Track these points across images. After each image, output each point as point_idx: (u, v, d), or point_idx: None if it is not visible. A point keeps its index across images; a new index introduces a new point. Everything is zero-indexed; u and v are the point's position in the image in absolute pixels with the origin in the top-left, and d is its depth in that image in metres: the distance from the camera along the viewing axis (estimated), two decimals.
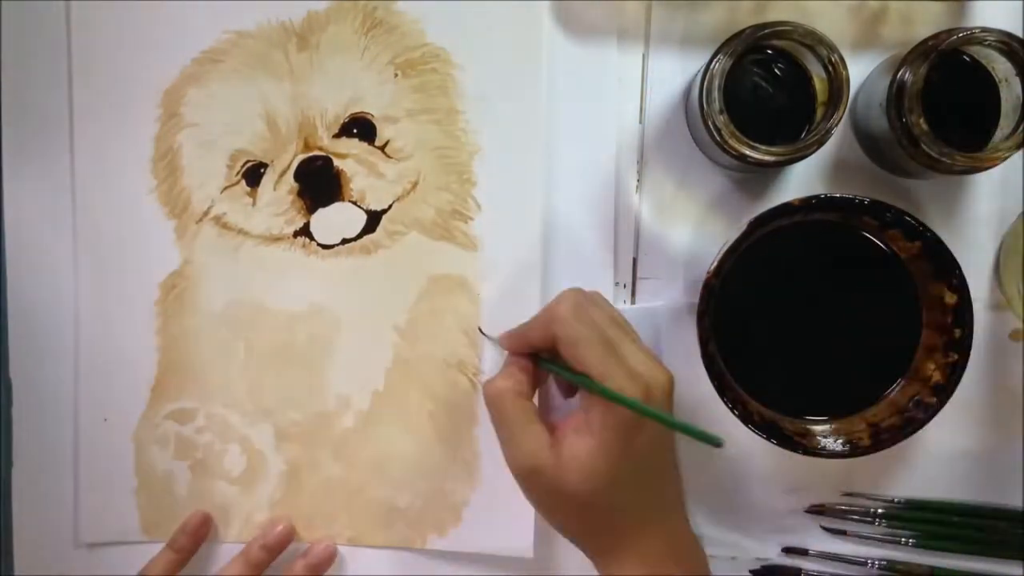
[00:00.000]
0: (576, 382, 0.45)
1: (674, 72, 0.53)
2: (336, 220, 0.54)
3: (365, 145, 0.53)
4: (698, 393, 0.52)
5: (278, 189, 0.54)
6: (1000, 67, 0.48)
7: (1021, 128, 0.46)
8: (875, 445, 0.49)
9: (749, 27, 0.46)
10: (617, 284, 0.54)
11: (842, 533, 0.55)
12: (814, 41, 0.46)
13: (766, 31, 0.46)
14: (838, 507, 0.55)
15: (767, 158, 0.47)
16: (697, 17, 0.53)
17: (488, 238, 0.53)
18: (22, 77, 0.54)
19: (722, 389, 0.48)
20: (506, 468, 0.53)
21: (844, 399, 0.51)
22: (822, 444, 0.50)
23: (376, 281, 0.54)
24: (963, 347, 0.48)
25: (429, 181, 0.54)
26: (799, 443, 0.49)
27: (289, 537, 0.54)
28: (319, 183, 0.53)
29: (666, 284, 0.54)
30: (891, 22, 0.53)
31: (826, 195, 0.47)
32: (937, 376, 0.49)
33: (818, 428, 0.51)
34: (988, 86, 0.49)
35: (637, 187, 0.54)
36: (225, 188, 0.54)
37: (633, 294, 0.54)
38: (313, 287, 0.54)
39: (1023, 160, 0.52)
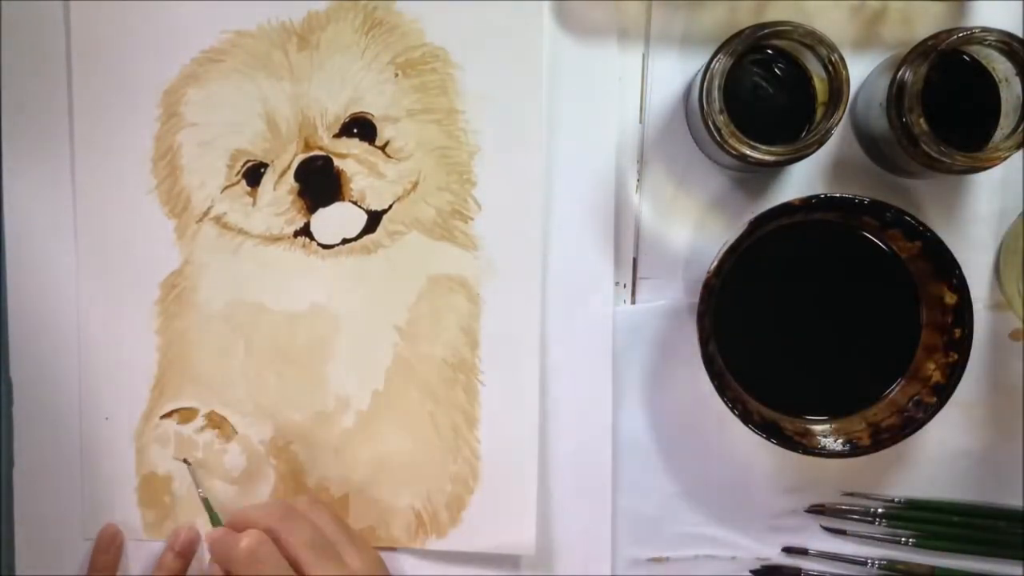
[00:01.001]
0: None
1: (674, 72, 0.53)
2: (336, 220, 0.54)
3: (365, 145, 0.53)
4: (698, 393, 0.52)
5: (278, 189, 0.54)
6: (1000, 67, 0.48)
7: (1021, 128, 0.46)
8: (875, 445, 0.49)
9: (749, 27, 0.46)
10: (617, 284, 0.54)
11: (842, 533, 0.55)
12: (814, 41, 0.46)
13: (766, 31, 0.46)
14: (838, 507, 0.55)
15: (767, 158, 0.47)
16: (697, 17, 0.53)
17: (488, 238, 0.53)
18: (22, 77, 0.54)
19: (722, 388, 0.48)
20: (508, 468, 0.53)
21: (844, 399, 0.51)
22: (822, 444, 0.50)
23: (376, 281, 0.54)
24: (963, 347, 0.48)
25: (429, 181, 0.54)
26: (799, 443, 0.49)
27: (196, 539, 0.54)
28: (319, 183, 0.53)
29: (666, 284, 0.54)
30: (891, 22, 0.53)
31: (826, 195, 0.47)
32: (937, 376, 0.49)
33: (818, 428, 0.51)
34: (988, 86, 0.49)
35: (637, 187, 0.54)
36: (225, 188, 0.54)
37: (633, 294, 0.54)
38: (313, 287, 0.54)
39: (1023, 160, 0.52)
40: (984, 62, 0.49)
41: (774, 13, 0.52)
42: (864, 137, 0.52)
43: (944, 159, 0.46)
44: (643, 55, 0.54)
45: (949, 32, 0.46)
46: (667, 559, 0.55)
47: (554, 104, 0.53)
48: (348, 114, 0.53)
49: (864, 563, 0.54)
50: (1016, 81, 0.47)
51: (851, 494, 0.55)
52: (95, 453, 0.55)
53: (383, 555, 0.54)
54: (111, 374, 0.55)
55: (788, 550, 0.55)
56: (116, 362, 0.55)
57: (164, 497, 0.55)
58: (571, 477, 0.54)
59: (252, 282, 0.54)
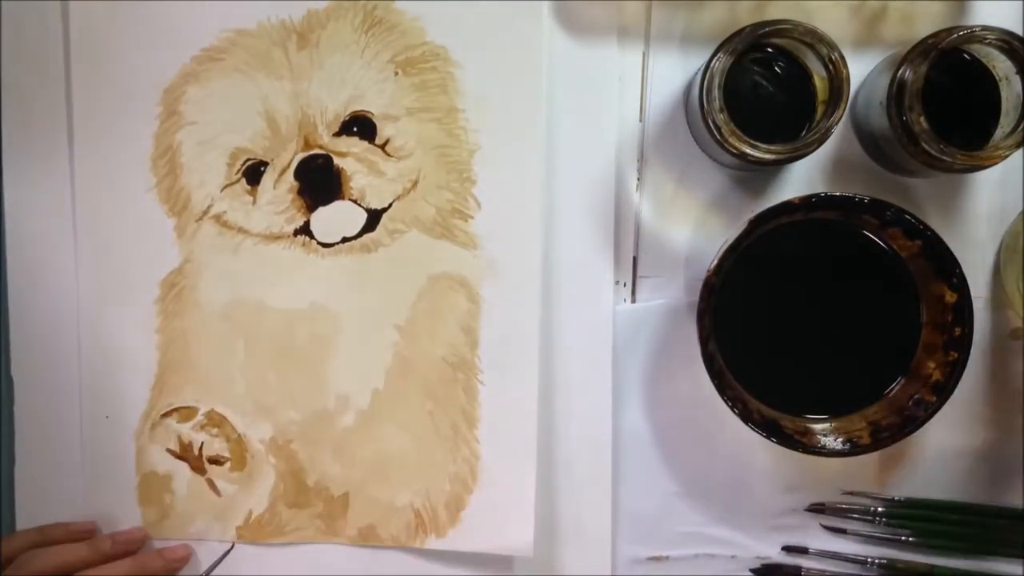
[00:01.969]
0: None
1: (674, 70, 0.53)
2: (336, 218, 0.54)
3: (365, 143, 0.53)
4: (698, 392, 0.52)
5: (278, 187, 0.54)
6: (1000, 65, 0.48)
7: (1021, 127, 0.46)
8: (875, 443, 0.49)
9: (749, 25, 0.46)
10: (617, 283, 0.54)
11: (842, 532, 0.55)
12: (814, 40, 0.46)
13: (766, 29, 0.46)
14: (838, 506, 0.55)
15: (767, 156, 0.47)
16: (697, 16, 0.53)
17: (488, 237, 0.53)
18: (22, 76, 0.54)
19: (722, 387, 0.48)
20: (508, 468, 0.53)
21: (844, 397, 0.51)
22: (822, 442, 0.50)
23: (376, 280, 0.54)
24: (963, 346, 0.48)
25: (429, 180, 0.54)
26: (799, 441, 0.49)
27: (186, 558, 0.54)
28: (319, 181, 0.53)
29: (666, 282, 0.54)
30: (891, 21, 0.53)
31: (826, 194, 0.47)
32: (937, 375, 0.49)
33: (818, 426, 0.51)
34: (988, 84, 0.49)
35: (637, 185, 0.54)
36: (225, 186, 0.54)
37: (633, 293, 0.54)
38: (313, 285, 0.54)
39: (1023, 158, 0.52)
40: (984, 61, 0.49)
41: (774, 12, 0.52)
42: (864, 136, 0.52)
43: (944, 158, 0.46)
44: (643, 54, 0.54)
45: (949, 31, 0.46)
46: (667, 558, 0.55)
47: (554, 103, 0.53)
48: (348, 112, 0.53)
49: (864, 562, 0.54)
50: (1016, 80, 0.47)
51: (851, 493, 0.55)
52: (95, 452, 0.55)
53: (383, 554, 0.54)
54: (111, 373, 0.55)
55: (788, 549, 0.55)
56: (116, 361, 0.55)
57: (164, 496, 0.55)
58: (571, 476, 0.54)
59: (252, 281, 0.54)
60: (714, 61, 0.47)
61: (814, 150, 0.48)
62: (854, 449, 0.49)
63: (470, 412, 0.54)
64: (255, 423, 0.55)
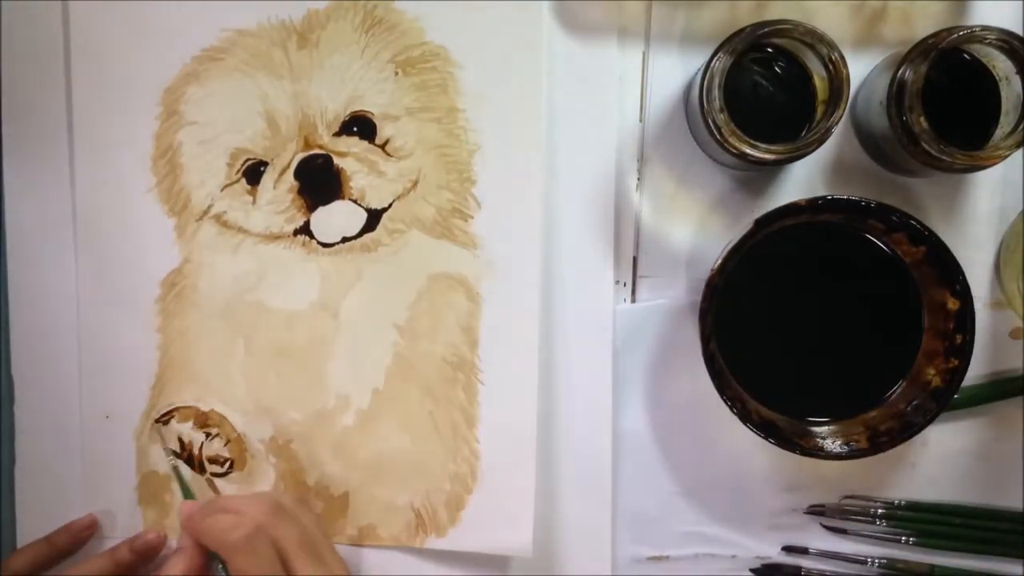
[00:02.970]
0: None
1: (674, 70, 0.53)
2: (336, 218, 0.54)
3: (365, 143, 0.53)
4: (698, 392, 0.52)
5: (278, 187, 0.54)
6: (1000, 65, 0.48)
7: (1021, 126, 0.46)
8: (873, 448, 0.49)
9: (749, 25, 0.46)
10: (617, 282, 0.54)
11: (842, 532, 0.55)
12: (814, 40, 0.46)
13: (766, 29, 0.46)
14: (838, 508, 0.55)
15: (767, 156, 0.47)
16: (697, 15, 0.53)
17: (488, 236, 0.53)
18: (21, 76, 0.54)
19: (722, 387, 0.48)
20: (507, 468, 0.53)
21: (844, 401, 0.51)
22: (820, 445, 0.50)
23: (376, 279, 0.54)
24: (964, 353, 0.48)
25: (429, 179, 0.54)
26: (797, 443, 0.49)
27: (160, 546, 0.54)
28: (319, 181, 0.53)
29: (666, 282, 0.54)
30: (891, 20, 0.52)
31: (832, 196, 0.47)
32: (937, 381, 0.49)
33: (817, 429, 0.51)
34: (988, 84, 0.49)
35: (637, 185, 0.54)
36: (225, 186, 0.54)
37: (633, 292, 0.54)
38: (313, 285, 0.54)
39: (1023, 158, 0.52)
40: (984, 61, 0.49)
41: (774, 12, 0.52)
42: (864, 136, 0.52)
43: (944, 158, 0.46)
44: (643, 54, 0.54)
45: (949, 31, 0.46)
46: (667, 558, 0.55)
47: (554, 103, 0.53)
48: (348, 112, 0.53)
49: (864, 562, 0.54)
50: (1016, 80, 0.47)
51: (851, 496, 0.55)
52: (96, 451, 0.55)
53: (382, 554, 0.54)
54: (111, 372, 0.55)
55: (788, 549, 0.55)
56: (116, 360, 0.55)
57: (164, 496, 0.55)
58: (571, 476, 0.54)
59: (252, 281, 0.54)
60: (714, 61, 0.47)
61: (814, 150, 0.47)
62: (852, 453, 0.49)
63: (470, 412, 0.54)
64: (255, 423, 0.55)
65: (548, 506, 0.54)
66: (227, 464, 0.55)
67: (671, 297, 0.54)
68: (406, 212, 0.54)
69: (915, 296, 0.50)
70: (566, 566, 0.55)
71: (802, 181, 0.53)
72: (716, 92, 0.47)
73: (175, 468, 0.53)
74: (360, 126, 0.53)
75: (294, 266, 0.54)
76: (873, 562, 0.54)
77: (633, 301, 0.54)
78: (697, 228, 0.54)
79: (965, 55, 0.49)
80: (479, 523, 0.54)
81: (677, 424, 0.54)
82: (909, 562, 0.54)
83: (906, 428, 0.49)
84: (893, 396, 0.51)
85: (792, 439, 0.49)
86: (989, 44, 0.46)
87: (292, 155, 0.53)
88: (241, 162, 0.54)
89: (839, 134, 0.52)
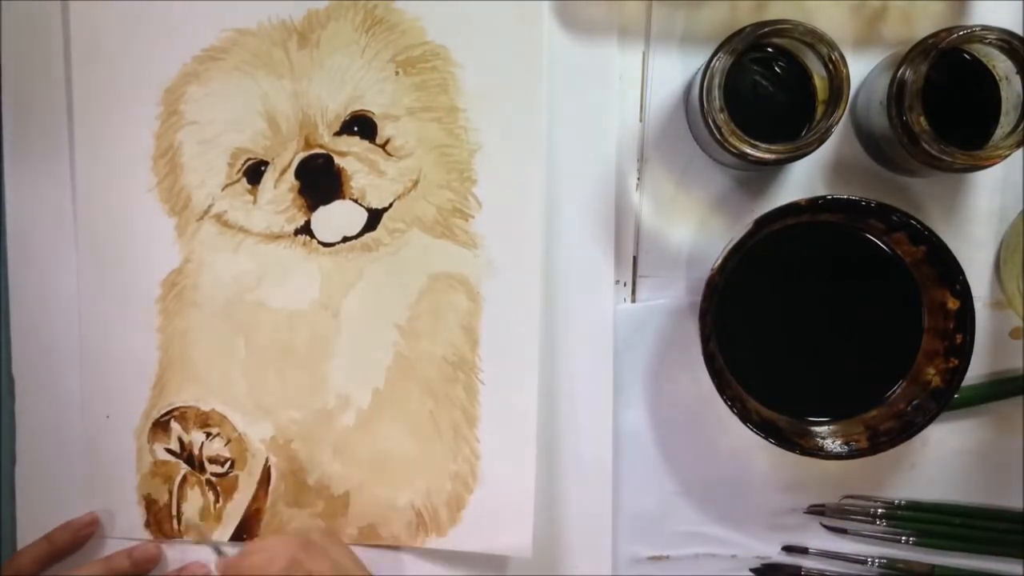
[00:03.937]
0: None
1: (674, 70, 0.53)
2: (337, 218, 0.54)
3: (366, 143, 0.53)
4: (698, 391, 0.52)
5: (279, 187, 0.54)
6: (1000, 65, 0.48)
7: (1021, 126, 0.46)
8: (872, 448, 0.49)
9: (749, 25, 0.46)
10: (617, 282, 0.54)
11: (842, 532, 0.55)
12: (815, 39, 0.46)
13: (766, 29, 0.46)
14: (838, 508, 0.55)
15: (767, 156, 0.47)
16: (697, 15, 0.53)
17: (488, 236, 0.53)
18: (22, 76, 0.54)
19: (721, 387, 0.48)
20: (507, 468, 0.53)
21: (844, 401, 0.51)
22: (820, 445, 0.50)
23: (377, 279, 0.54)
24: (963, 353, 0.48)
25: (430, 179, 0.54)
26: (797, 443, 0.49)
27: (157, 558, 0.54)
28: (320, 181, 0.53)
29: (666, 282, 0.54)
30: (891, 20, 0.53)
31: (833, 196, 0.47)
32: (936, 381, 0.49)
33: (817, 429, 0.51)
34: (988, 84, 0.49)
35: (637, 185, 0.54)
36: (226, 186, 0.54)
37: (633, 292, 0.54)
38: (314, 285, 0.54)
39: (1023, 158, 0.52)
40: (984, 60, 0.49)
41: (774, 11, 0.52)
42: (864, 135, 0.52)
43: (944, 157, 0.46)
44: (643, 54, 0.54)
45: (949, 30, 0.46)
46: (667, 557, 0.55)
47: (554, 103, 0.53)
48: (348, 112, 0.53)
49: (864, 561, 0.54)
50: (1016, 79, 0.47)
51: (852, 496, 0.55)
52: (96, 451, 0.55)
53: (383, 554, 0.54)
54: (112, 372, 0.55)
55: (788, 549, 0.55)
56: (117, 360, 0.55)
57: (164, 495, 0.55)
58: (571, 475, 0.54)
59: (253, 280, 0.54)
60: (714, 61, 0.47)
61: (814, 150, 0.48)
62: (852, 453, 0.49)
63: (470, 411, 0.54)
64: (255, 422, 0.55)
65: (548, 505, 0.54)
66: (227, 464, 0.55)
67: (671, 297, 0.54)
68: (407, 212, 0.54)
69: (915, 296, 0.50)
70: (566, 566, 0.55)
71: (802, 181, 0.53)
72: (716, 92, 0.47)
73: (217, 549, 0.53)
74: (361, 126, 0.53)
75: (295, 266, 0.54)
76: (873, 562, 0.54)
77: (633, 301, 0.54)
78: (697, 228, 0.54)
79: (965, 55, 0.49)
80: (479, 523, 0.54)
81: (677, 424, 0.54)
82: (909, 562, 0.54)
83: (906, 428, 0.49)
84: (893, 396, 0.51)
85: (792, 439, 0.49)
86: (989, 44, 0.46)
87: (293, 155, 0.53)
88: (242, 162, 0.54)
89: (839, 134, 0.52)
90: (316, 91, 0.53)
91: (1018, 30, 0.46)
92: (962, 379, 0.48)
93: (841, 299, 0.51)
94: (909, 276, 0.50)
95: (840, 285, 0.51)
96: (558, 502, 0.55)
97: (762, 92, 0.51)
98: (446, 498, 0.54)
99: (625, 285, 0.54)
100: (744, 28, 0.47)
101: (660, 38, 0.53)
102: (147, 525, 0.55)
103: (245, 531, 0.55)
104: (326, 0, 0.53)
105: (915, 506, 0.54)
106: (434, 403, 0.54)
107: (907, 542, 0.54)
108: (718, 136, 0.48)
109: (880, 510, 0.54)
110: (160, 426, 0.55)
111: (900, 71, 0.47)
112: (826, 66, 0.47)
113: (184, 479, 0.55)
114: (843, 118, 0.47)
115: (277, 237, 0.54)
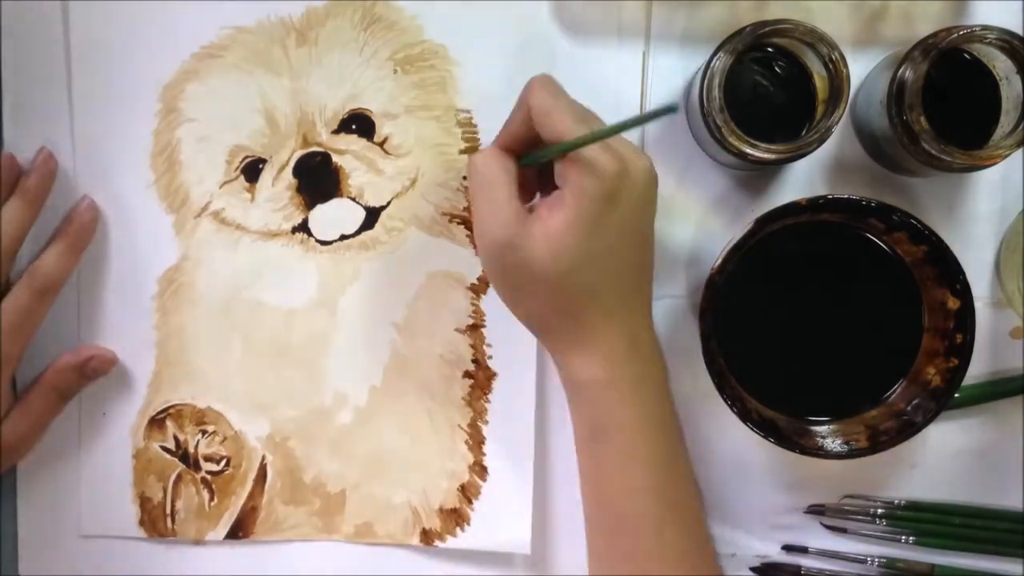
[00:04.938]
0: (550, 153, 0.44)
1: (674, 70, 0.53)
2: (335, 216, 0.53)
3: (364, 141, 0.53)
4: (698, 391, 0.52)
5: (277, 185, 0.54)
6: (1000, 65, 0.48)
7: (1021, 126, 0.46)
8: (872, 447, 0.49)
9: (749, 25, 0.46)
10: None
11: (842, 531, 0.54)
12: (815, 39, 0.46)
13: (766, 29, 0.46)
14: (838, 508, 0.54)
15: (767, 156, 0.47)
16: (697, 15, 0.53)
17: None
18: (22, 74, 0.54)
19: (721, 386, 0.48)
20: (505, 465, 0.53)
21: (843, 400, 0.51)
22: (820, 444, 0.50)
23: (374, 277, 0.54)
24: (964, 353, 0.48)
25: (428, 178, 0.54)
26: (797, 442, 0.49)
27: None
28: (318, 179, 0.53)
29: (666, 282, 0.54)
30: (892, 20, 0.53)
31: (833, 195, 0.47)
32: (937, 380, 0.49)
33: (817, 428, 0.51)
34: (988, 84, 0.49)
35: None
36: (224, 183, 0.54)
37: None
38: (311, 283, 0.54)
39: (1023, 158, 0.52)
40: (984, 60, 0.49)
41: (774, 11, 0.52)
42: (864, 135, 0.52)
43: (944, 157, 0.46)
44: (643, 53, 0.54)
45: (949, 30, 0.46)
46: None
47: None
48: (347, 110, 0.53)
49: (864, 561, 0.54)
50: (1016, 79, 0.47)
51: (852, 496, 0.54)
52: (93, 449, 0.55)
53: (381, 552, 0.54)
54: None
55: (788, 548, 0.55)
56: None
57: (159, 493, 0.55)
58: (570, 475, 0.54)
59: (250, 278, 0.54)
60: (714, 60, 0.47)
61: (814, 149, 0.47)
62: (851, 452, 0.49)
63: (468, 410, 0.54)
64: (252, 420, 0.54)
65: (547, 505, 0.54)
66: (223, 461, 0.55)
67: (671, 296, 0.54)
68: (405, 210, 0.54)
69: (915, 295, 0.50)
70: (565, 564, 0.54)
71: (802, 181, 0.53)
72: (716, 92, 0.47)
73: None
74: (359, 124, 0.53)
75: (292, 264, 0.54)
76: (873, 561, 0.54)
77: None
78: (697, 227, 0.54)
79: (965, 55, 0.49)
80: (477, 521, 0.54)
81: None
82: (909, 562, 0.54)
83: (906, 428, 0.49)
84: (893, 395, 0.51)
85: (792, 438, 0.49)
86: (989, 44, 0.46)
87: (291, 153, 0.53)
88: (240, 159, 0.54)
89: (839, 134, 0.52)
90: (314, 89, 0.53)
91: (1018, 30, 0.46)
92: (962, 379, 0.48)
93: (841, 299, 0.51)
94: (909, 276, 0.50)
95: (840, 285, 0.51)
96: (556, 500, 0.54)
97: (762, 92, 0.50)
98: (443, 496, 0.54)
99: None
100: (744, 28, 0.46)
101: (660, 38, 0.53)
102: (141, 523, 0.55)
103: (240, 529, 0.55)
104: None
105: (915, 506, 0.54)
106: (431, 401, 0.54)
107: (907, 542, 0.54)
108: (718, 136, 0.47)
109: (880, 510, 0.54)
110: (156, 423, 0.55)
111: (900, 71, 0.47)
112: (826, 66, 0.47)
113: (179, 477, 0.55)
114: (843, 118, 0.47)
115: (275, 235, 0.54)
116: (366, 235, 0.54)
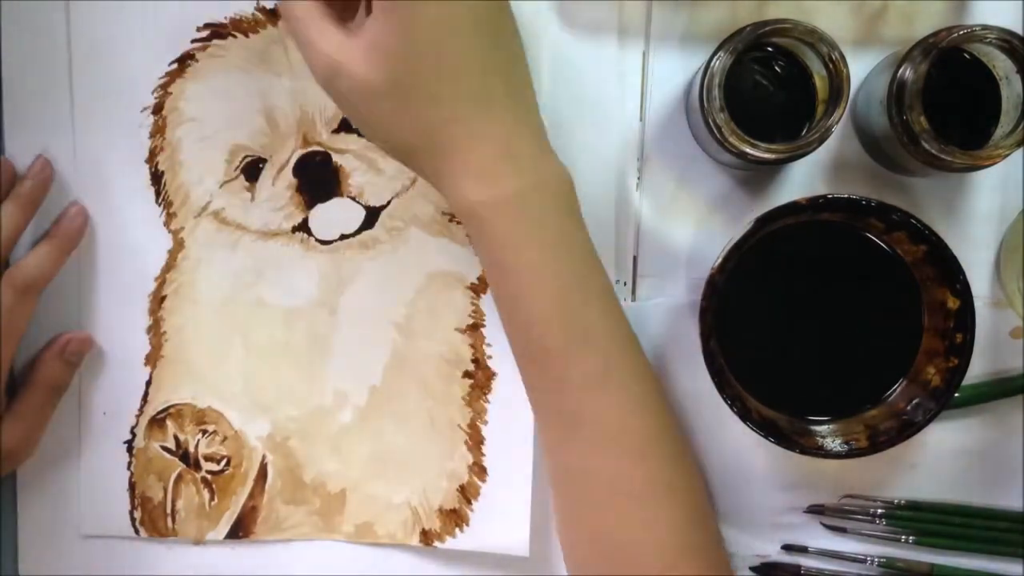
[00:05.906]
0: None
1: (674, 70, 0.53)
2: (335, 216, 0.53)
3: (364, 141, 0.53)
4: (697, 390, 0.52)
5: (277, 184, 0.54)
6: (1000, 65, 0.48)
7: (1021, 126, 0.46)
8: (872, 447, 0.49)
9: (750, 25, 0.46)
10: (617, 282, 0.54)
11: (842, 531, 0.54)
12: (815, 39, 0.46)
13: (767, 29, 0.46)
14: (838, 508, 0.54)
15: (767, 156, 0.47)
16: (698, 15, 0.53)
17: None
18: (23, 74, 0.54)
19: (721, 386, 0.48)
20: (504, 466, 0.53)
21: (843, 400, 0.51)
22: (820, 444, 0.50)
23: (374, 277, 0.54)
24: (964, 353, 0.48)
25: None
26: (797, 442, 0.49)
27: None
28: (318, 178, 0.53)
29: (666, 282, 0.54)
30: (892, 20, 0.53)
31: (833, 195, 0.47)
32: (936, 380, 0.49)
33: (817, 428, 0.51)
34: (988, 84, 0.49)
35: (637, 185, 0.54)
36: (224, 183, 0.54)
37: (633, 291, 0.54)
38: (311, 282, 0.54)
39: (1023, 158, 0.52)
40: (984, 60, 0.49)
41: (775, 11, 0.52)
42: (864, 135, 0.52)
43: (944, 157, 0.46)
44: (643, 53, 0.54)
45: (949, 30, 0.46)
46: None
47: (554, 102, 0.53)
48: None
49: (864, 560, 0.54)
50: (1016, 79, 0.47)
51: (852, 496, 0.54)
52: (93, 449, 0.55)
53: (380, 552, 0.54)
54: (108, 369, 0.55)
55: (788, 547, 0.55)
56: (114, 357, 0.55)
57: (159, 493, 0.55)
58: None
59: (250, 277, 0.54)
60: (714, 60, 0.47)
61: (814, 149, 0.47)
62: (851, 452, 0.49)
63: (468, 410, 0.54)
64: (252, 420, 0.54)
65: (546, 504, 0.54)
66: (223, 461, 0.55)
67: (671, 296, 0.54)
68: (405, 210, 0.54)
69: (915, 295, 0.50)
70: (564, 566, 0.54)
71: (802, 181, 0.53)
72: (716, 92, 0.47)
73: None
74: None
75: (292, 263, 0.54)
76: (873, 561, 0.54)
77: (633, 300, 0.54)
78: (697, 227, 0.54)
79: (965, 55, 0.49)
80: (476, 521, 0.54)
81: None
82: (909, 561, 0.54)
83: (906, 427, 0.49)
84: (893, 395, 0.51)
85: (792, 438, 0.49)
86: (989, 44, 0.46)
87: (291, 152, 0.53)
88: (240, 159, 0.54)
89: (839, 134, 0.52)
90: (314, 89, 0.52)
91: (1018, 30, 0.46)
92: (962, 379, 0.48)
93: (841, 298, 0.51)
94: (909, 275, 0.50)
95: (840, 284, 0.51)
96: None
97: (762, 92, 0.50)
98: (443, 496, 0.54)
99: (625, 284, 0.54)
100: (744, 28, 0.46)
101: (660, 38, 0.53)
102: (141, 523, 0.55)
103: (240, 529, 0.55)
104: None
105: (915, 506, 0.54)
106: (432, 401, 0.54)
107: (907, 542, 0.54)
108: (718, 136, 0.47)
109: (880, 510, 0.54)
110: (156, 423, 0.55)
111: (900, 71, 0.47)
112: (826, 66, 0.47)
113: (179, 476, 0.55)
114: (843, 118, 0.47)
115: (275, 234, 0.54)
116: (366, 235, 0.54)
